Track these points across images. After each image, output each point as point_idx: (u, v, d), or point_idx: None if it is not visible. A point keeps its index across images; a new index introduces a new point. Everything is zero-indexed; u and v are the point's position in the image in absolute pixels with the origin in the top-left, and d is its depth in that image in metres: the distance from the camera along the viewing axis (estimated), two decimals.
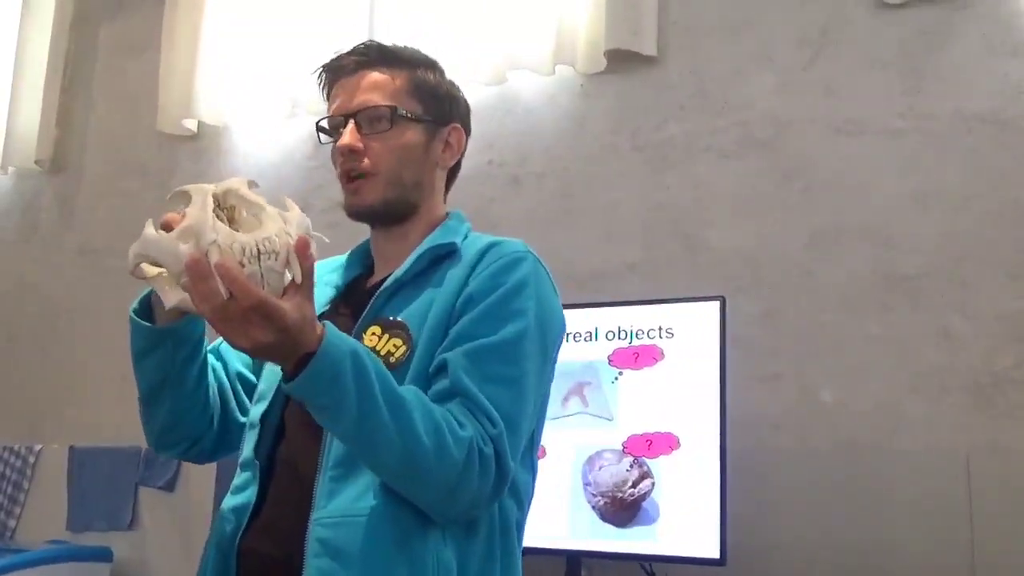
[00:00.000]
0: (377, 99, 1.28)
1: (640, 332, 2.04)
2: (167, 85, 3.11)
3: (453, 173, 1.41)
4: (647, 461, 1.94)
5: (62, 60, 3.44)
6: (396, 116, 1.28)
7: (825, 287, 2.12)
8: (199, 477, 2.83)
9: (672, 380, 1.97)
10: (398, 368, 1.17)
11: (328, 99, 1.34)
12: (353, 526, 1.11)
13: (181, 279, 0.98)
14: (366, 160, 1.28)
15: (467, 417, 1.12)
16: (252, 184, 1.07)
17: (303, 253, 1.00)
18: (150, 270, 1.04)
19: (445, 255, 1.28)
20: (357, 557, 1.09)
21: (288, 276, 1.01)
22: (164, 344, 1.20)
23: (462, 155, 1.40)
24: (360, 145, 1.27)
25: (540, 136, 2.55)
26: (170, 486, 2.88)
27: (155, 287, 1.04)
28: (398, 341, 1.20)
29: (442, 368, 1.16)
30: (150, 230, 1.00)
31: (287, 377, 1.04)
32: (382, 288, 1.25)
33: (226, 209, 1.04)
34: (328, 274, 1.36)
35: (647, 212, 2.36)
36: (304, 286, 1.00)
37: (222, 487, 2.75)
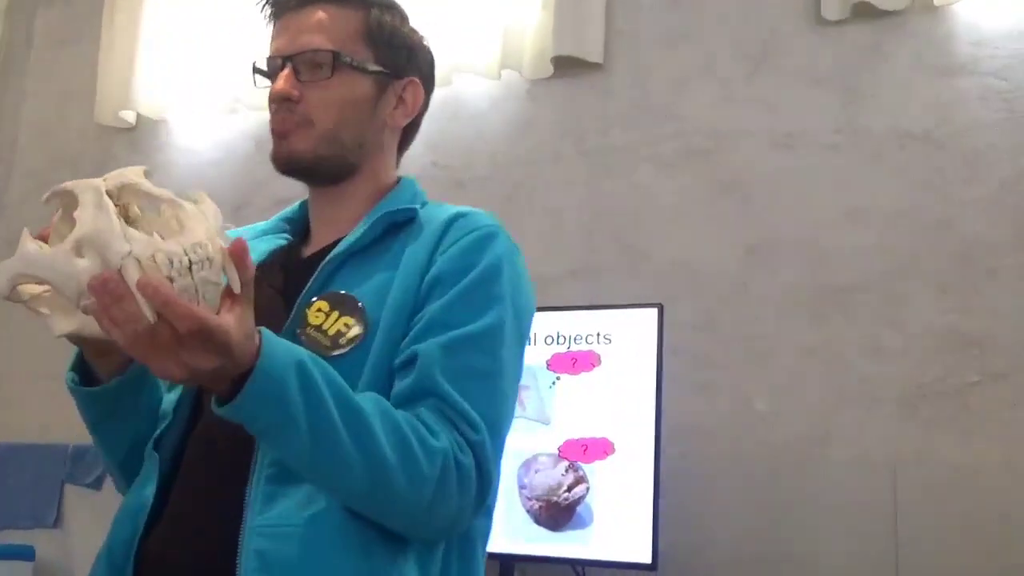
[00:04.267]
0: (320, 41, 1.12)
1: (578, 337, 2.05)
2: (105, 75, 3.03)
3: (408, 134, 1.25)
4: (582, 466, 1.95)
5: None
6: (339, 63, 1.12)
7: (760, 298, 2.15)
8: None
9: (609, 386, 1.98)
10: (352, 352, 1.03)
11: (271, 36, 1.17)
12: (302, 538, 0.94)
13: (80, 301, 0.79)
14: (300, 108, 1.12)
15: (441, 423, 0.98)
16: (148, 173, 0.89)
17: (241, 258, 0.84)
18: (30, 290, 0.86)
19: (403, 223, 1.14)
20: (307, 574, 0.94)
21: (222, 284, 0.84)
22: (123, 401, 1.06)
23: (420, 114, 1.24)
24: (296, 92, 1.11)
25: (485, 140, 2.55)
26: (97, 484, 2.82)
27: (36, 311, 0.86)
28: (350, 320, 1.04)
29: (411, 362, 1.01)
30: (30, 244, 0.81)
31: (218, 399, 0.88)
32: (330, 257, 1.09)
33: (119, 207, 0.83)
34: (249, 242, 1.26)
35: (589, 218, 2.37)
36: (244, 295, 0.85)
37: None
